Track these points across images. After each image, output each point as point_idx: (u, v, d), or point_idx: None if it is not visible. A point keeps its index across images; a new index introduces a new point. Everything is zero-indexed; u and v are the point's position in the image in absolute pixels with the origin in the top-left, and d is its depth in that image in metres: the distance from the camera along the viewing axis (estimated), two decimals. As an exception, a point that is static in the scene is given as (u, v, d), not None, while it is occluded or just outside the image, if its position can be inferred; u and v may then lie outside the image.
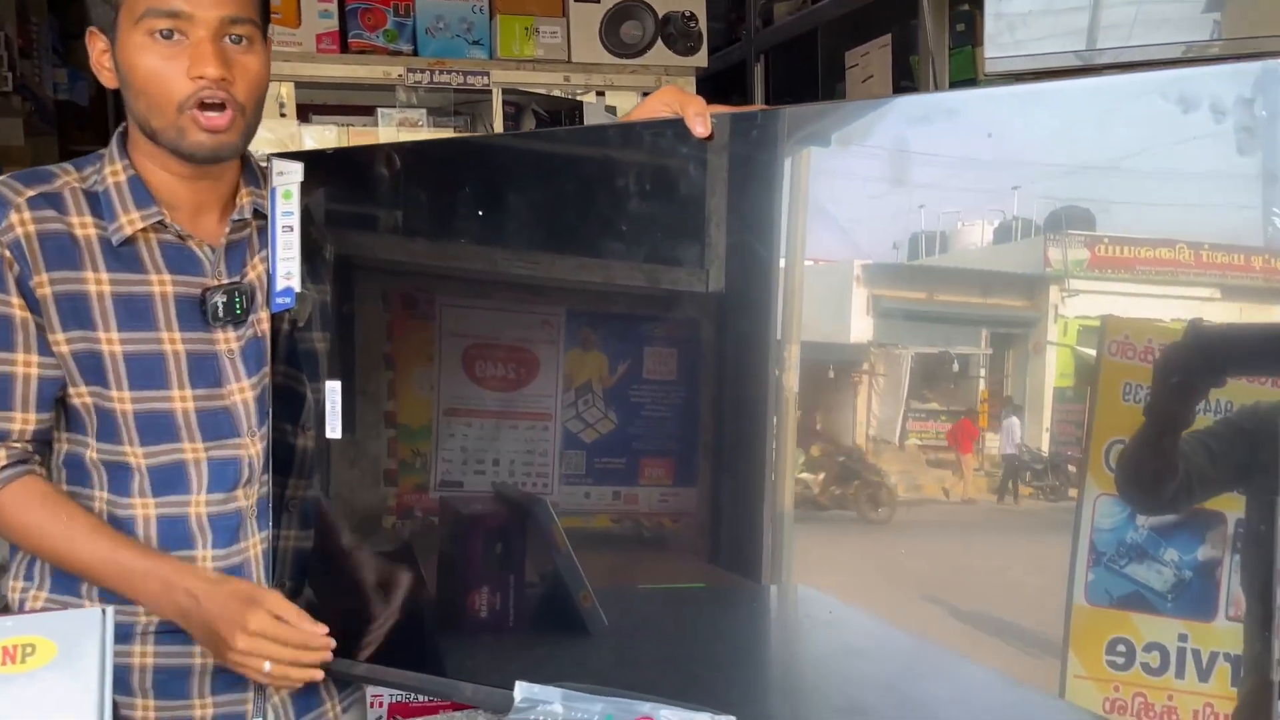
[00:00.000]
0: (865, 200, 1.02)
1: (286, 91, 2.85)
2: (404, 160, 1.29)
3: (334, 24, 2.78)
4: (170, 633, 1.22)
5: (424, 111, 2.89)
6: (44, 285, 1.17)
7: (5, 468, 1.18)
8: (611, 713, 1.09)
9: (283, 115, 2.90)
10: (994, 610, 0.96)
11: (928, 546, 1.02)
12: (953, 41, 2.55)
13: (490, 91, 2.87)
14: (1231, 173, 0.86)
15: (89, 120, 4.22)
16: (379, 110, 2.88)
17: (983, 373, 1.01)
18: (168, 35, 1.14)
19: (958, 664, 0.98)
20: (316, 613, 1.20)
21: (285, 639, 1.18)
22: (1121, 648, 0.91)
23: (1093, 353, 0.93)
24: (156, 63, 1.15)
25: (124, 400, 1.19)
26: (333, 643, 1.21)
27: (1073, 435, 0.94)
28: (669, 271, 1.11)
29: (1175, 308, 0.90)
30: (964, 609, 0.97)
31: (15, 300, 1.17)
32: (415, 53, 2.86)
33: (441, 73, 2.83)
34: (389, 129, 2.81)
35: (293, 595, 1.27)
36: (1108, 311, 0.93)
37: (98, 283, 1.18)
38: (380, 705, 2.01)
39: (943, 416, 1.02)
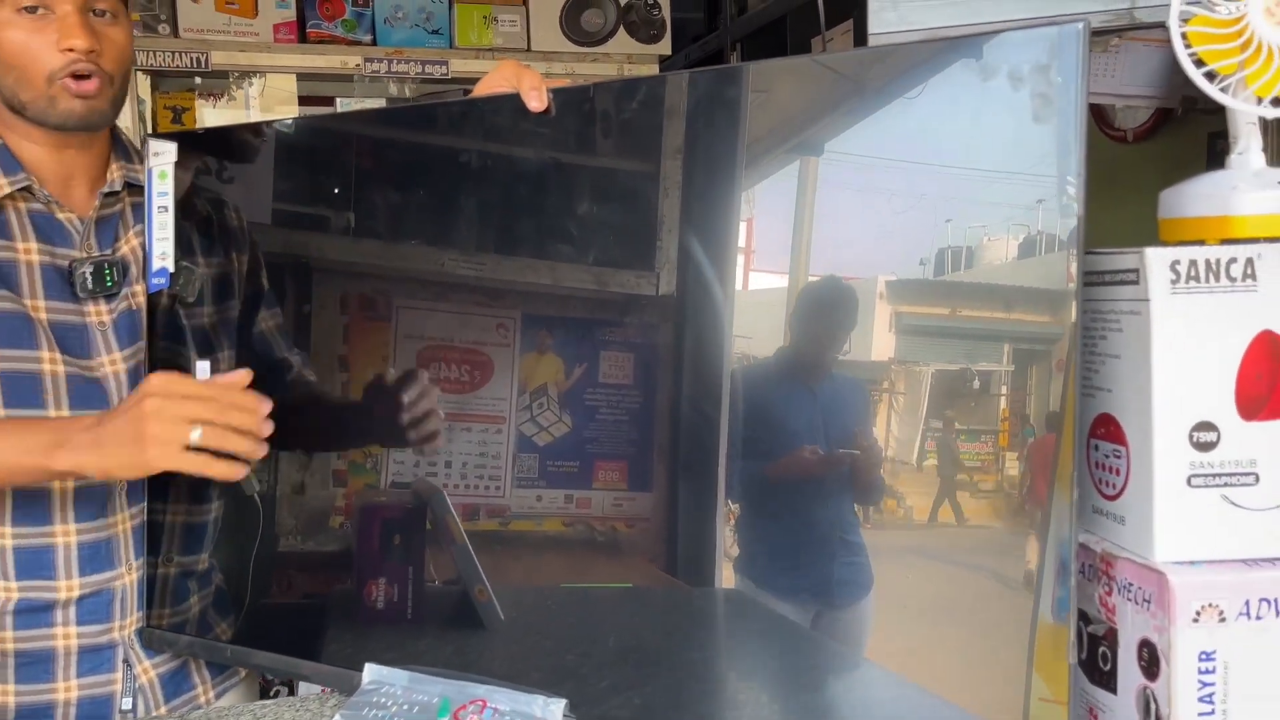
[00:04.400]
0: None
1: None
2: (280, 137, 1.29)
3: (291, 14, 2.77)
4: (29, 612, 1.22)
5: (383, 101, 2.89)
6: None
7: None
8: (449, 695, 1.08)
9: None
10: (955, 627, 0.91)
11: (891, 563, 0.96)
12: (909, 25, 2.50)
13: (450, 80, 2.86)
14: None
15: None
16: (338, 100, 2.88)
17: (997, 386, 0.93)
18: (33, 10, 1.16)
19: (906, 678, 0.93)
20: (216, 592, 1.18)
21: (196, 393, 1.05)
22: (1089, 668, 0.86)
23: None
24: (24, 37, 1.17)
25: None
26: (265, 402, 1.06)
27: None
28: (622, 275, 1.09)
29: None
30: (923, 625, 0.92)
31: None
32: (375, 42, 2.85)
33: (399, 62, 2.82)
34: (349, 119, 2.80)
35: (183, 569, 1.27)
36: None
37: None
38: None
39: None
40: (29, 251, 1.21)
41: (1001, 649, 0.85)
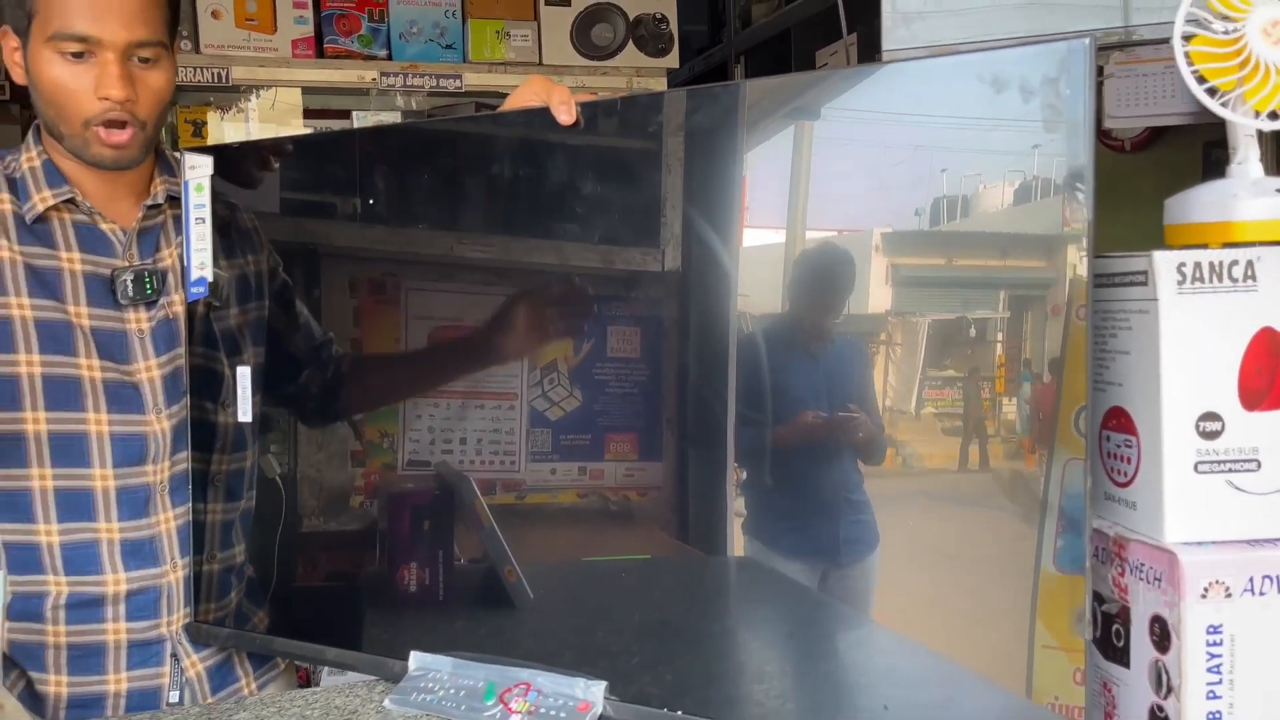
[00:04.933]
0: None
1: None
2: (312, 149, 1.35)
3: (310, 30, 2.84)
4: (80, 606, 1.27)
5: (398, 114, 2.95)
6: None
7: None
8: (493, 679, 1.13)
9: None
10: (960, 579, 0.95)
11: (896, 518, 1.00)
12: (912, 39, 2.56)
13: (463, 94, 2.92)
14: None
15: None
16: (354, 114, 2.94)
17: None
18: (77, 55, 1.21)
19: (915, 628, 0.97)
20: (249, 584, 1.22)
21: None
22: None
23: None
24: (65, 79, 1.22)
25: (33, 364, 1.23)
26: None
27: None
28: (628, 252, 1.14)
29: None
30: (928, 577, 0.96)
31: None
32: (390, 57, 2.92)
33: (414, 76, 2.89)
34: (365, 132, 2.86)
35: (222, 565, 1.33)
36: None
37: (10, 251, 1.24)
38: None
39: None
40: (72, 260, 1.27)
41: (1005, 598, 0.90)
